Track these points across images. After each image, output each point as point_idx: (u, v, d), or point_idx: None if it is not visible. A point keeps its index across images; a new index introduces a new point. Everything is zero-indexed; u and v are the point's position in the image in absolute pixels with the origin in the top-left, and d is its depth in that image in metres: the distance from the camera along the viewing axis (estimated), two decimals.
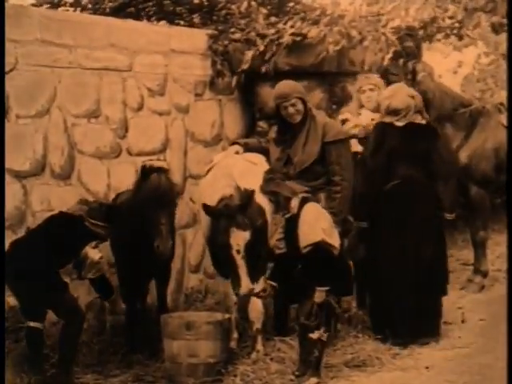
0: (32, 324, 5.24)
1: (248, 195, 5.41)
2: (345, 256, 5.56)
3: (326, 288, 5.17)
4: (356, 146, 6.41)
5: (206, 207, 5.42)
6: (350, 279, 5.52)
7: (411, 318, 5.99)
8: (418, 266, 6.06)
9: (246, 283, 5.31)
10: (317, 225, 5.21)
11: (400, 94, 6.22)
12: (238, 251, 5.30)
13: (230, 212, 5.32)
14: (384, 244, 6.09)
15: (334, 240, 5.26)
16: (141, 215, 5.45)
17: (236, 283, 5.34)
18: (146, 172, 5.53)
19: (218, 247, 5.49)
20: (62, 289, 5.26)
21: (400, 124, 6.17)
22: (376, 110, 6.56)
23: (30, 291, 5.14)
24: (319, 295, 5.18)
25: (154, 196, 5.41)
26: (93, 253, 5.38)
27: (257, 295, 5.52)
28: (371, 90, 6.70)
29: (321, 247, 5.17)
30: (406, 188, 6.08)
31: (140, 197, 5.51)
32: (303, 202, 5.33)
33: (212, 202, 5.45)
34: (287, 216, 5.36)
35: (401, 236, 6.06)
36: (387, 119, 6.18)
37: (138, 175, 5.71)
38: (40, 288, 5.13)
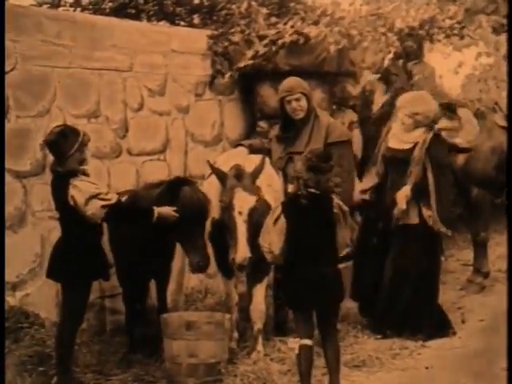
0: None
1: (259, 168, 5.34)
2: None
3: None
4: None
5: (215, 170, 5.32)
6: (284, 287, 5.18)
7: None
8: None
9: (242, 250, 5.07)
10: (268, 227, 5.00)
11: None
12: (240, 213, 5.14)
13: (240, 174, 5.24)
14: None
15: (272, 247, 4.96)
16: (176, 229, 5.24)
17: (232, 248, 5.11)
18: (174, 184, 5.39)
19: (222, 210, 5.29)
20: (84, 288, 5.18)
21: None
22: None
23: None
24: None
25: (191, 211, 5.21)
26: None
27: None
28: None
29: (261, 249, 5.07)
30: None
31: (177, 211, 5.24)
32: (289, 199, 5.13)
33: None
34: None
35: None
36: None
37: (163, 187, 5.43)
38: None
